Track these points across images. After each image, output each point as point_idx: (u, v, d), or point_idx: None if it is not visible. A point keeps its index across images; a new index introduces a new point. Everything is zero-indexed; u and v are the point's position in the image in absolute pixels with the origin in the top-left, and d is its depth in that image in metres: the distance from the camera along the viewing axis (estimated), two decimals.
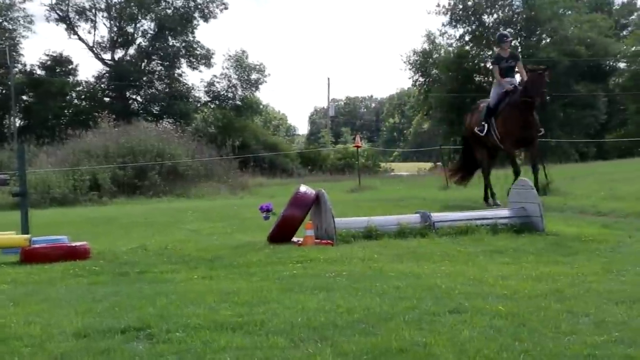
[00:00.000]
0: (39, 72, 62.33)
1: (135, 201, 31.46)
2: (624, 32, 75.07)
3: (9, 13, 60.15)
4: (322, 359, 6.00)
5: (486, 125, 18.51)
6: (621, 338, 6.44)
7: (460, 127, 67.17)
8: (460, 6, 68.99)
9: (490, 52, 70.04)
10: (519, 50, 69.07)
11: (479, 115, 19.23)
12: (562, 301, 7.82)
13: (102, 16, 65.12)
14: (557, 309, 7.48)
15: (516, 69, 18.87)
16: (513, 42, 69.88)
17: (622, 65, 72.23)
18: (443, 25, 70.96)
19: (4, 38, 58.64)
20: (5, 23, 59.99)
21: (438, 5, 71.01)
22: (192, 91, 66.85)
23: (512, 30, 69.69)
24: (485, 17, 69.37)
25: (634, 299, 7.87)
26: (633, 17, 78.70)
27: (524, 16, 67.99)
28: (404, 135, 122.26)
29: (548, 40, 67.19)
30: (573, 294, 8.17)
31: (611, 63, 70.91)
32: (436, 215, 13.99)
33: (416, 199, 23.42)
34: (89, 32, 65.30)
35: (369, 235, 13.13)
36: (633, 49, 70.95)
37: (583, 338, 6.41)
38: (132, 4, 64.39)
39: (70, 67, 63.67)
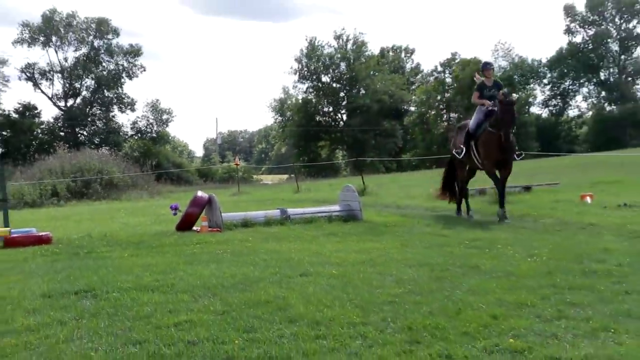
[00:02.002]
0: (14, 115, 60.56)
1: (83, 204, 30.61)
2: (413, 87, 76.90)
3: None
4: (214, 308, 6.04)
5: (465, 148, 14.10)
6: (412, 290, 6.62)
7: (306, 149, 68.60)
8: (305, 68, 69.40)
9: (326, 101, 70.71)
10: (345, 99, 69.94)
11: (461, 137, 14.59)
12: (374, 266, 7.98)
13: (58, 76, 63.68)
14: (371, 271, 7.63)
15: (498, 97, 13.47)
16: (341, 93, 71.38)
17: (412, 108, 74.03)
18: (294, 81, 71.42)
19: None
20: None
21: (291, 68, 71.70)
22: (122, 127, 65.62)
23: (341, 86, 70.55)
24: (322, 76, 69.95)
25: (421, 263, 8.09)
26: (418, 77, 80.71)
27: (348, 75, 68.81)
28: (269, 156, 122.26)
29: (364, 92, 68.12)
30: (381, 262, 8.33)
31: (405, 107, 72.46)
32: (291, 210, 13.99)
33: (277, 199, 23.42)
34: (49, 87, 63.83)
35: (245, 224, 13.06)
36: (418, 98, 73.01)
37: (388, 290, 6.57)
38: (78, 67, 63.17)
39: (35, 111, 62.11)
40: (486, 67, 14.55)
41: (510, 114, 12.79)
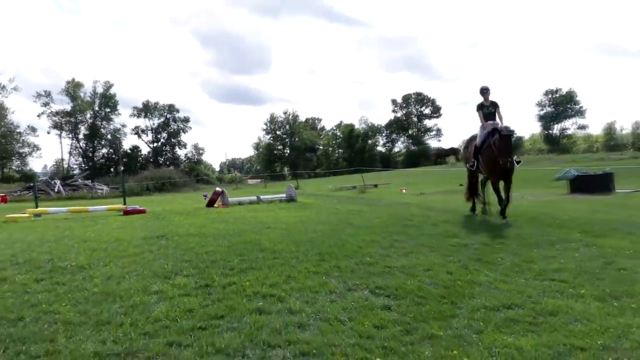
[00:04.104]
0: (129, 151, 58.42)
1: (161, 194, 29.57)
2: (320, 137, 76.48)
3: (119, 132, 57.66)
4: (224, 244, 5.91)
5: (475, 162, 8.80)
6: (321, 235, 6.57)
7: (269, 167, 67.64)
8: (269, 128, 68.61)
9: (279, 144, 69.80)
10: (288, 143, 69.35)
11: (471, 150, 9.10)
12: (304, 224, 7.89)
13: (150, 132, 61.21)
14: (302, 226, 7.55)
15: (496, 114, 8.43)
16: (286, 140, 70.65)
17: (320, 147, 73.84)
18: (264, 134, 69.98)
19: (117, 140, 56.83)
20: (117, 135, 56.85)
21: (262, 128, 71.61)
22: (180, 157, 63.16)
23: (286, 136, 69.82)
24: (277, 132, 68.91)
25: (325, 222, 8.00)
26: (323, 132, 79.89)
27: (290, 132, 68.25)
28: (252, 170, 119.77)
29: (297, 139, 67.72)
30: (307, 221, 8.23)
31: (317, 147, 72.16)
32: (262, 196, 13.79)
33: (255, 191, 23.01)
34: (145, 137, 61.56)
35: (240, 204, 12.81)
36: (323, 143, 73.20)
37: (309, 235, 6.50)
38: (159, 128, 61.63)
39: (139, 149, 60.10)
40: (483, 91, 8.55)
41: (508, 145, 7.76)
